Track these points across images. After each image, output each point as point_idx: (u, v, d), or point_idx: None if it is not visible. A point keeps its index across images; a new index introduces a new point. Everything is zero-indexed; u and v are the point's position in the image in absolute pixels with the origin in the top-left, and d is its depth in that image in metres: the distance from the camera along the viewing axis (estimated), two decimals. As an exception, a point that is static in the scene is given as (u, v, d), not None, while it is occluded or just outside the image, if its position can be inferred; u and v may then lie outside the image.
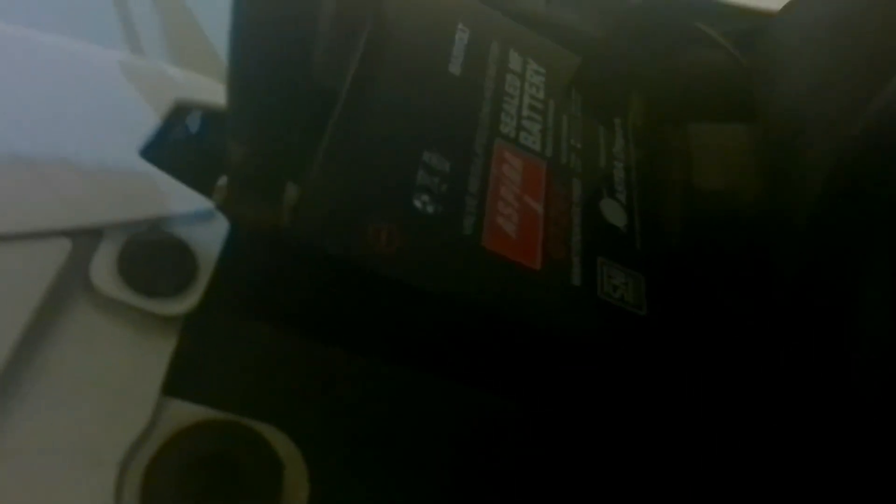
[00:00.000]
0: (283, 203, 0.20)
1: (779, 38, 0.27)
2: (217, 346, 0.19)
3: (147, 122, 0.21)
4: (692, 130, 0.29)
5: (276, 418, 0.18)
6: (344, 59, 0.22)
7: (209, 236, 0.19)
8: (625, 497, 0.22)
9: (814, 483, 0.20)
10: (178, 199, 0.19)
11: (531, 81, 0.28)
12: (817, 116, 0.23)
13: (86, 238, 0.18)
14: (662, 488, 0.22)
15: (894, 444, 0.18)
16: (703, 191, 0.27)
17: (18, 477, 0.16)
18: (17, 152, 0.18)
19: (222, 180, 0.21)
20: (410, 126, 0.23)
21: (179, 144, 0.22)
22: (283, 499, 0.17)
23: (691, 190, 0.27)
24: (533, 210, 0.24)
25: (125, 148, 0.20)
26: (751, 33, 0.29)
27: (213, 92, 0.22)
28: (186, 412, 0.17)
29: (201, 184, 0.20)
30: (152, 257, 0.18)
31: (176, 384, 0.18)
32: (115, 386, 0.17)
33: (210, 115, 0.23)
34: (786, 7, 0.28)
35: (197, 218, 0.19)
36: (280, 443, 0.17)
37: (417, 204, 0.22)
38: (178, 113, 0.22)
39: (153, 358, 0.18)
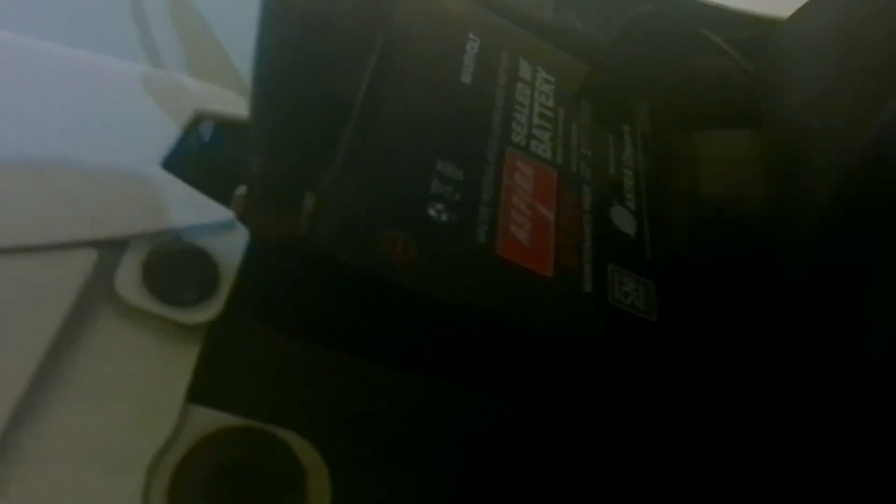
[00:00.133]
0: (301, 213, 0.21)
1: (786, 46, 0.27)
2: (239, 354, 0.19)
3: (167, 133, 0.21)
4: (698, 137, 0.29)
5: (298, 425, 0.18)
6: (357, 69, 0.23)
7: (231, 246, 0.20)
8: (636, 500, 0.22)
9: (822, 486, 0.21)
10: (199, 209, 0.20)
11: (541, 90, 0.28)
12: (824, 124, 0.23)
13: (111, 248, 0.18)
14: (674, 492, 0.22)
15: None
16: (709, 198, 0.27)
17: (48, 483, 0.16)
18: (43, 165, 0.19)
19: (240, 190, 0.22)
20: (423, 135, 0.24)
21: (198, 155, 0.22)
22: (306, 504, 0.17)
23: (698, 197, 0.27)
24: (544, 218, 0.24)
25: (147, 159, 0.20)
26: (757, 41, 0.30)
27: (230, 103, 0.23)
28: (210, 419, 0.18)
29: (222, 194, 0.20)
30: (176, 267, 0.19)
31: (200, 391, 0.18)
32: (141, 393, 0.18)
33: (223, 125, 0.24)
34: (793, 15, 0.28)
35: (218, 227, 0.20)
36: (303, 449, 0.18)
37: (432, 213, 0.22)
38: (198, 124, 0.22)
39: (177, 366, 0.18)
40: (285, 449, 0.18)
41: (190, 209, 0.20)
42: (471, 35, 0.28)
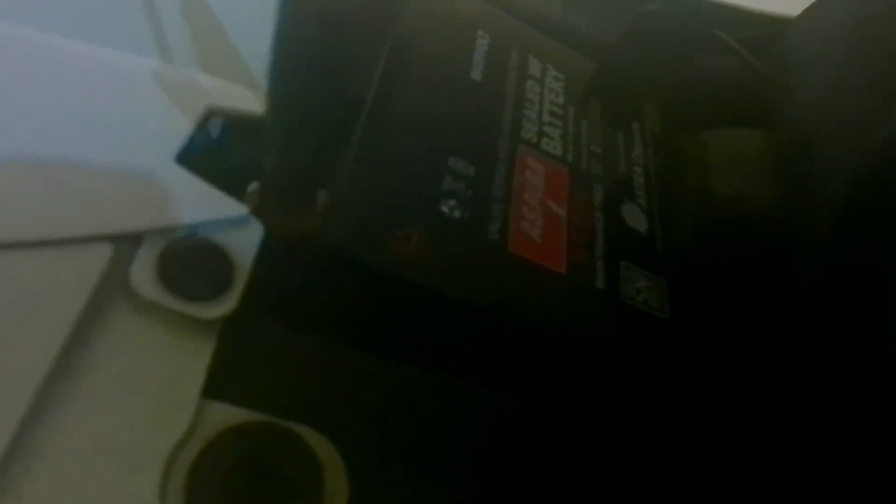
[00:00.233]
0: (314, 210, 0.21)
1: (796, 44, 0.27)
2: (254, 349, 0.19)
3: (180, 129, 0.21)
4: (707, 136, 0.29)
5: (314, 421, 0.18)
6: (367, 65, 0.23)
7: (245, 241, 0.20)
8: (647, 496, 0.22)
9: (835, 485, 0.21)
10: (213, 205, 0.20)
11: (550, 87, 0.28)
12: (836, 122, 0.23)
13: (126, 243, 0.18)
14: (684, 489, 0.22)
15: None
16: (719, 196, 0.27)
17: (64, 479, 0.16)
18: (57, 161, 0.19)
19: (253, 186, 0.22)
20: (435, 132, 0.24)
21: (211, 151, 0.22)
22: (324, 499, 0.17)
23: (708, 195, 0.27)
24: (556, 215, 0.24)
25: (161, 154, 0.20)
26: (767, 39, 0.30)
27: (242, 99, 0.23)
28: (227, 414, 0.18)
29: (235, 190, 0.20)
30: (190, 262, 0.19)
31: (215, 387, 0.18)
32: (157, 388, 0.17)
33: (231, 123, 0.24)
34: (803, 13, 0.28)
35: (233, 223, 0.20)
36: (319, 444, 0.18)
37: (444, 209, 0.22)
38: (210, 119, 0.22)
39: (193, 361, 0.18)
40: (302, 444, 0.18)
41: (204, 204, 0.20)
42: (480, 33, 0.28)
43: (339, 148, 0.20)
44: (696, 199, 0.27)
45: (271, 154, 0.19)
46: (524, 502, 0.20)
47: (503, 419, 0.21)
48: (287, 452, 0.17)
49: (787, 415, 0.22)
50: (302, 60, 0.16)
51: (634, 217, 0.26)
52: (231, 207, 0.20)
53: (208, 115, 0.22)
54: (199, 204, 0.19)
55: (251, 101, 0.23)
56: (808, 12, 0.28)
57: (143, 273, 0.18)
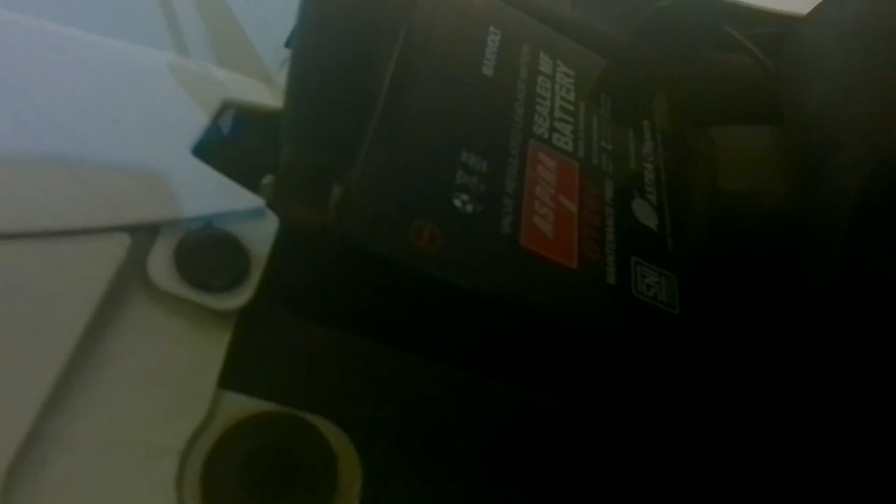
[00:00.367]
0: (329, 202, 0.21)
1: (807, 41, 0.28)
2: (270, 340, 0.19)
3: (196, 121, 0.21)
4: (718, 133, 0.29)
5: (328, 411, 0.18)
6: (381, 61, 0.23)
7: (261, 233, 0.20)
8: (655, 491, 0.22)
9: (846, 488, 0.21)
10: (230, 196, 0.20)
11: (561, 83, 0.28)
12: (848, 119, 0.23)
13: (143, 234, 0.18)
14: (692, 485, 0.22)
15: None
16: (728, 193, 0.27)
17: (81, 468, 0.16)
18: (75, 152, 0.19)
19: (268, 179, 0.22)
20: (447, 127, 0.24)
21: (227, 143, 0.22)
22: (338, 489, 0.17)
23: (719, 192, 0.27)
24: (568, 210, 0.24)
25: (177, 146, 0.20)
26: (777, 37, 0.30)
27: (257, 92, 0.23)
28: (242, 404, 0.18)
29: (251, 182, 0.21)
30: (207, 253, 0.19)
31: (231, 377, 0.18)
32: (173, 378, 0.18)
33: (244, 117, 0.24)
34: (813, 10, 0.28)
35: (249, 214, 0.20)
36: (333, 435, 0.18)
37: (457, 203, 0.22)
38: (226, 112, 0.22)
39: (209, 351, 0.18)
40: (317, 434, 0.18)
41: (220, 196, 0.20)
42: (491, 28, 0.28)
43: (353, 142, 0.21)
44: (707, 196, 0.27)
45: (287, 147, 0.19)
46: (536, 494, 0.20)
47: (516, 412, 0.21)
48: (302, 442, 0.18)
49: (796, 412, 0.23)
50: (320, 54, 0.17)
51: (645, 213, 0.26)
52: (247, 199, 0.20)
53: (224, 108, 0.22)
54: (216, 195, 0.20)
55: (266, 94, 0.23)
56: (818, 9, 0.28)
57: (160, 264, 0.18)
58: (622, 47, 0.32)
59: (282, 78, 0.23)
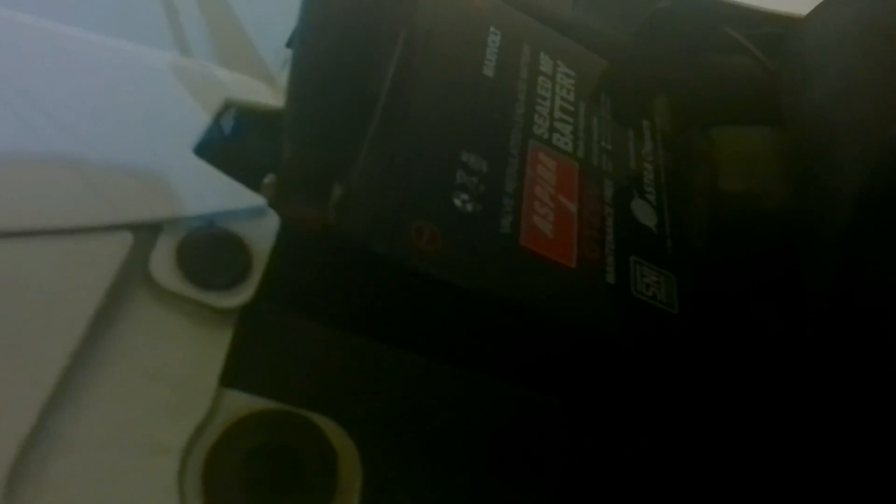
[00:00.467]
0: (330, 202, 0.21)
1: (807, 42, 0.28)
2: (271, 339, 0.19)
3: (198, 120, 0.21)
4: (716, 133, 0.29)
5: (329, 410, 0.18)
6: (382, 62, 0.23)
7: (262, 231, 0.20)
8: (655, 491, 0.22)
9: (846, 487, 0.21)
10: (231, 195, 0.20)
11: (561, 84, 0.28)
12: (848, 120, 0.23)
13: (145, 232, 0.19)
14: (692, 485, 0.22)
15: None
16: (728, 193, 0.27)
17: (84, 465, 0.16)
18: (78, 151, 0.19)
19: (269, 178, 0.22)
20: (448, 127, 0.24)
21: (229, 143, 0.22)
22: (338, 487, 0.17)
23: (718, 192, 0.27)
24: (567, 210, 0.24)
25: (179, 146, 0.20)
26: (777, 38, 0.30)
27: (258, 92, 0.23)
28: (243, 403, 0.18)
29: (253, 181, 0.21)
30: (209, 252, 0.19)
31: (232, 375, 0.18)
32: (175, 376, 0.18)
33: (245, 117, 0.24)
34: (813, 11, 0.28)
35: (250, 213, 0.20)
36: (334, 433, 0.18)
37: (457, 203, 0.22)
38: (227, 112, 0.22)
39: (210, 349, 0.18)
40: (317, 432, 0.18)
41: (222, 195, 0.20)
42: (492, 29, 0.28)
43: (354, 142, 0.21)
44: (707, 196, 0.27)
45: (288, 146, 0.19)
46: (537, 494, 0.20)
47: (517, 411, 0.21)
48: (302, 441, 0.18)
49: (795, 412, 0.23)
50: (322, 55, 0.17)
51: (644, 213, 0.26)
52: (248, 198, 0.20)
53: (226, 108, 0.22)
54: (217, 194, 0.20)
55: (267, 94, 0.23)
56: (818, 10, 0.28)
57: (162, 262, 0.19)
58: (622, 48, 0.32)
59: (283, 78, 0.23)
